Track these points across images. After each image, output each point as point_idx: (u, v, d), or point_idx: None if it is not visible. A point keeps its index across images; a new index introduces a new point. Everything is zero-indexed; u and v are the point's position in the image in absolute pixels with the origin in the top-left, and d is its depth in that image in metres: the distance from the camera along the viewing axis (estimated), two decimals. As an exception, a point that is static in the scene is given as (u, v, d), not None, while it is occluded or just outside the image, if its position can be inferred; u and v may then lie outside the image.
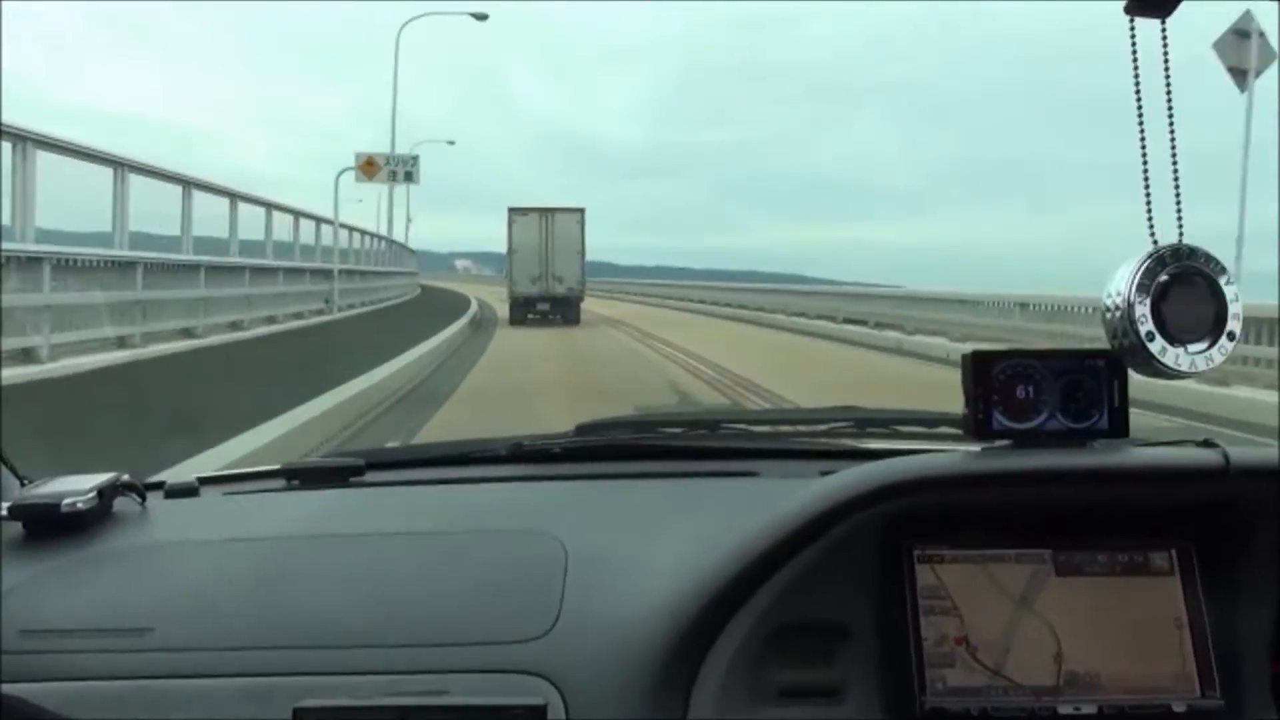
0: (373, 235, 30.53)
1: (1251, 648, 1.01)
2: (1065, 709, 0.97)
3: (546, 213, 24.82)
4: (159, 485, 1.43)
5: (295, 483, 1.47)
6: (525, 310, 23.76)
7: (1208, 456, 1.00)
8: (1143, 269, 0.96)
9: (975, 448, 1.04)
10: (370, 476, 1.48)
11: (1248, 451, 1.01)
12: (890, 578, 1.02)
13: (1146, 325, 0.96)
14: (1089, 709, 0.97)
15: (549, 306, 23.90)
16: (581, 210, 25.27)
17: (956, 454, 1.04)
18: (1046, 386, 1.02)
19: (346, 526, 1.27)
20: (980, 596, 1.01)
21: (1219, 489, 1.00)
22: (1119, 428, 1.02)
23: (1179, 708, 0.98)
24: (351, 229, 26.10)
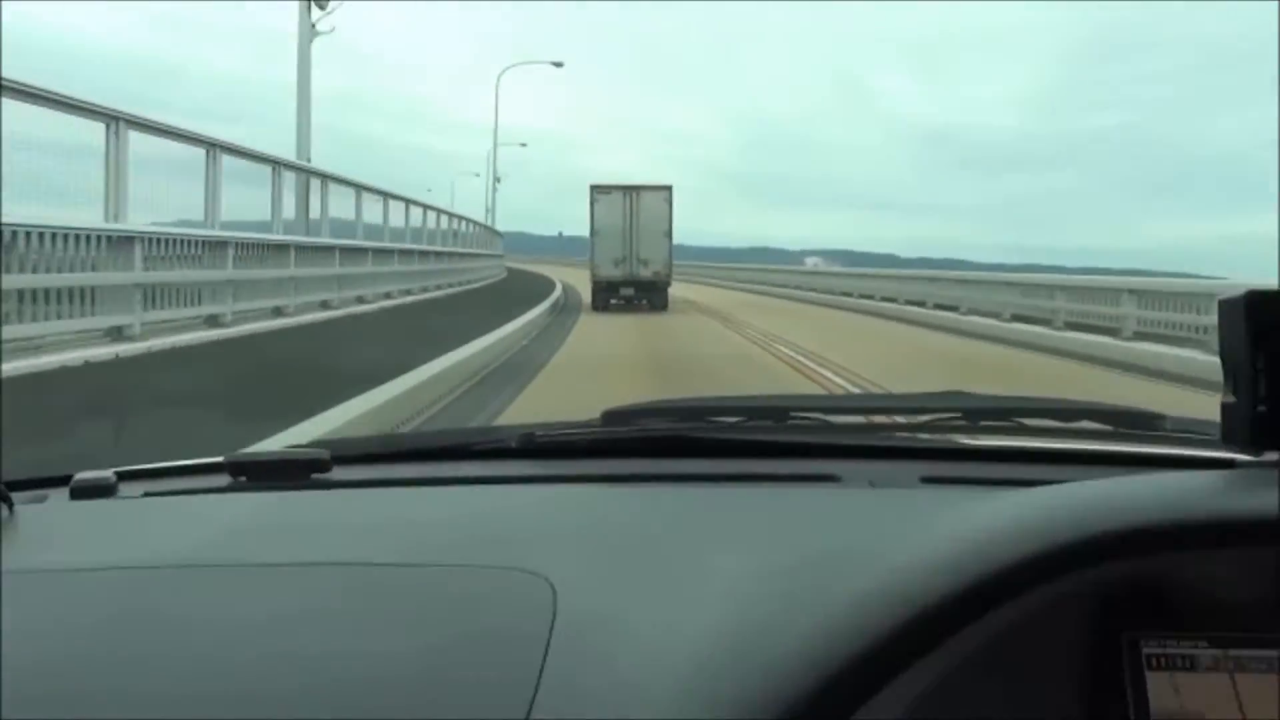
0: (467, 220, 32.35)
1: None
2: None
3: (631, 191, 24.03)
4: (35, 483, 1.20)
5: (242, 479, 1.22)
6: (608, 295, 23.17)
7: None
8: None
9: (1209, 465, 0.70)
10: (337, 473, 1.23)
11: None
12: (1096, 684, 0.66)
13: None
14: None
15: (633, 291, 23.26)
16: (668, 188, 24.31)
17: (1245, 478, 0.66)
18: None
19: (275, 549, 0.97)
20: None
21: None
22: None
23: None
24: (439, 211, 26.73)
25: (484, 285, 28.05)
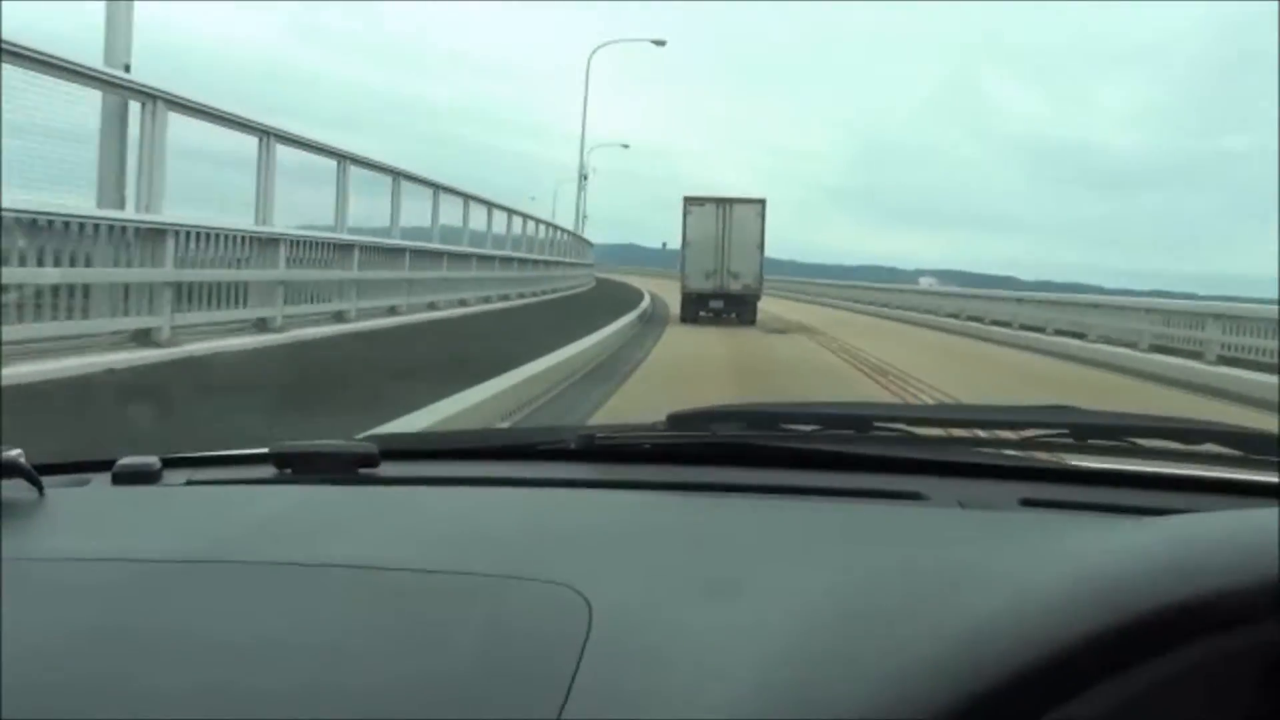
0: (538, 220, 31.11)
1: None
2: None
3: (724, 203, 24.20)
4: (78, 466, 1.19)
5: (287, 471, 1.21)
6: (697, 307, 23.42)
7: None
8: None
9: None
10: (384, 469, 1.21)
11: None
12: None
13: None
14: None
15: (722, 304, 23.41)
16: (762, 201, 24.40)
17: None
18: None
19: (309, 547, 0.93)
20: None
21: None
22: None
23: None
24: (537, 220, 27.41)
25: (558, 298, 26.59)
